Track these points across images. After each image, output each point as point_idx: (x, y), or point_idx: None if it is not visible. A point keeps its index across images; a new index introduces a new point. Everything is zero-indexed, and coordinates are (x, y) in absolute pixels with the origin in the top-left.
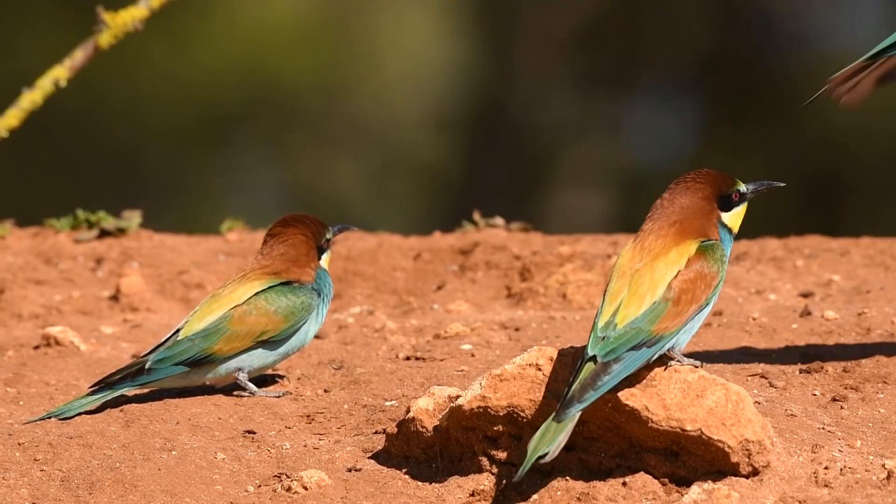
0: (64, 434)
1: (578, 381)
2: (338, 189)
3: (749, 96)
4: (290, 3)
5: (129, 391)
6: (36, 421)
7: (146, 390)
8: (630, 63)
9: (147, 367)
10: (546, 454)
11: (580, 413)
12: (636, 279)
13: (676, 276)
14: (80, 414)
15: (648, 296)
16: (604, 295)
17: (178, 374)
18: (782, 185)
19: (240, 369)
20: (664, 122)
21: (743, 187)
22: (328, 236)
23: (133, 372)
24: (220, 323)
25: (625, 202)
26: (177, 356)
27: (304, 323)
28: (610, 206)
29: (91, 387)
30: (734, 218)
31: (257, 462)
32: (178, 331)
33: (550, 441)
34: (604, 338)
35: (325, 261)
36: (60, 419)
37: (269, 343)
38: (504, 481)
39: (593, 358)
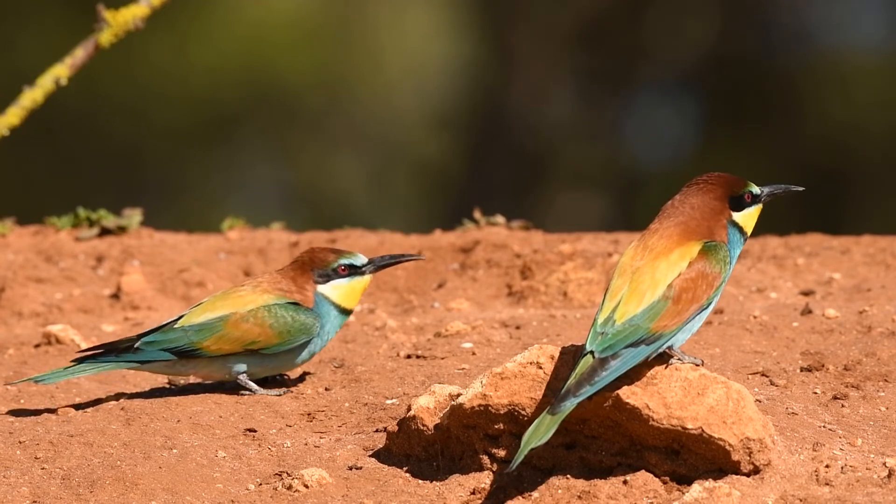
0: (65, 432)
1: (575, 375)
2: (339, 187)
3: (749, 94)
4: (291, 2)
5: (120, 371)
6: (16, 384)
7: (132, 371)
8: (630, 62)
9: (135, 346)
10: (539, 446)
11: (574, 406)
12: (637, 277)
13: (678, 275)
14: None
15: (648, 294)
16: (605, 292)
17: (164, 361)
18: (801, 189)
19: (237, 371)
20: (664, 121)
21: (756, 189)
22: (334, 265)
23: (121, 349)
24: (217, 322)
25: (625, 200)
26: (166, 342)
27: (298, 343)
28: (610, 205)
29: (73, 359)
30: (746, 218)
31: (258, 460)
32: (178, 319)
33: (544, 434)
34: (602, 334)
35: (332, 289)
36: (39, 383)
37: (258, 354)
38: (505, 479)
39: (591, 353)
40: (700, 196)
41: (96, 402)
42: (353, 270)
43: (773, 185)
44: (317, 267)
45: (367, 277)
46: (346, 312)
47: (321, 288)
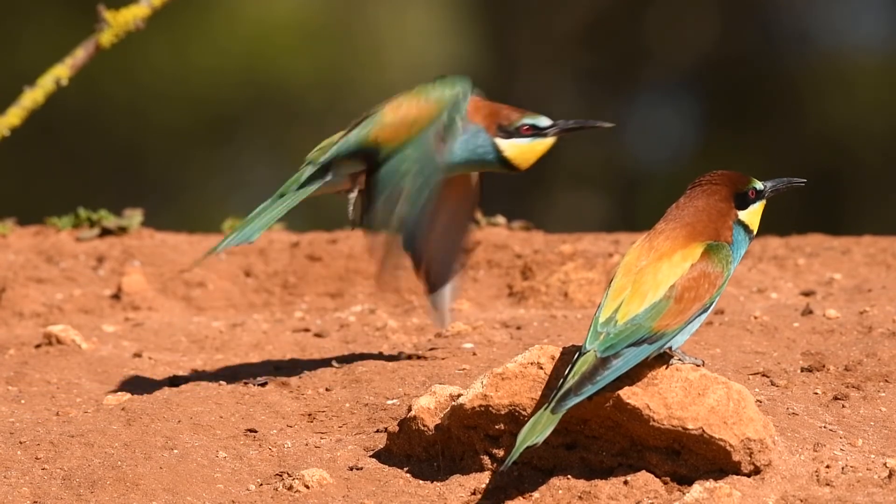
0: (65, 433)
1: (576, 374)
2: None
3: (750, 94)
4: (292, 2)
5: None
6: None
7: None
8: (631, 62)
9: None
10: (536, 444)
11: (574, 405)
12: (640, 277)
13: (680, 276)
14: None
15: (651, 293)
16: (606, 291)
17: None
18: (803, 182)
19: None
20: (664, 121)
21: (759, 185)
22: (518, 124)
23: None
24: (370, 121)
25: (625, 200)
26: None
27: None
28: (610, 205)
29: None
30: (752, 216)
31: (259, 461)
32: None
33: (541, 432)
34: (604, 333)
35: (509, 146)
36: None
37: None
38: (505, 479)
39: (592, 352)
40: (705, 198)
41: (97, 402)
42: (537, 131)
43: (776, 180)
44: (500, 122)
45: (549, 140)
46: (511, 166)
47: (498, 141)
